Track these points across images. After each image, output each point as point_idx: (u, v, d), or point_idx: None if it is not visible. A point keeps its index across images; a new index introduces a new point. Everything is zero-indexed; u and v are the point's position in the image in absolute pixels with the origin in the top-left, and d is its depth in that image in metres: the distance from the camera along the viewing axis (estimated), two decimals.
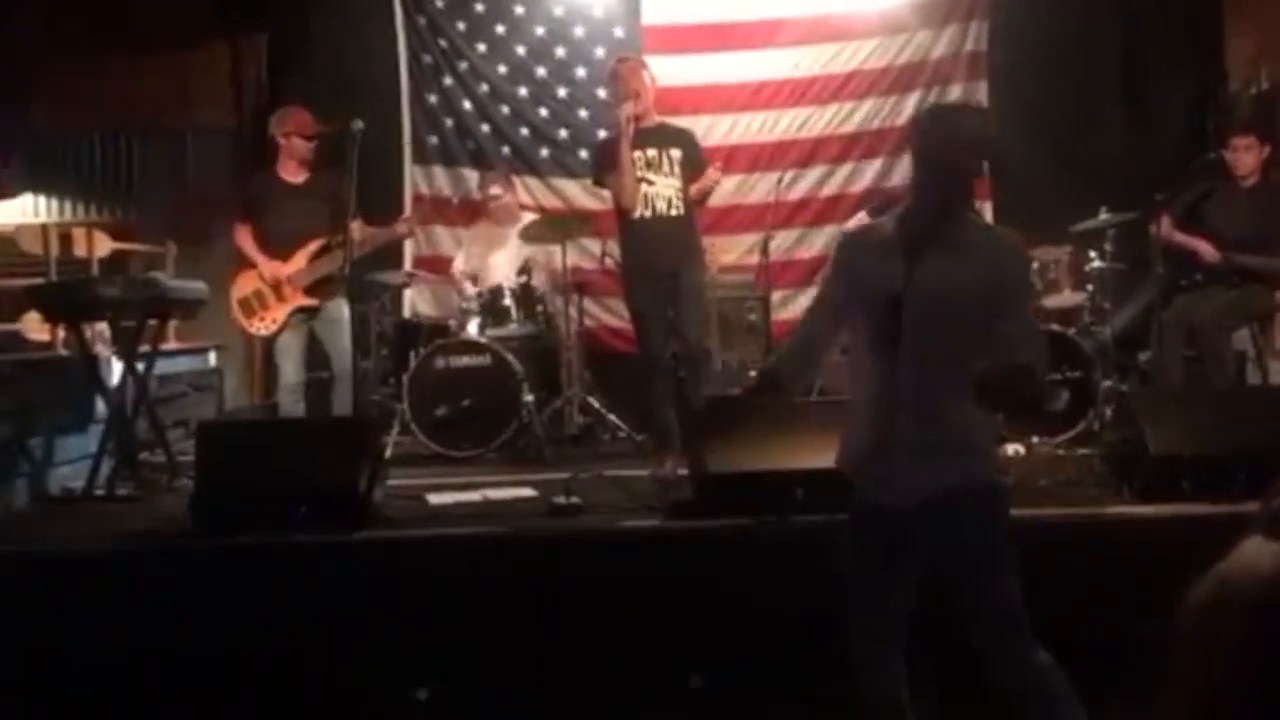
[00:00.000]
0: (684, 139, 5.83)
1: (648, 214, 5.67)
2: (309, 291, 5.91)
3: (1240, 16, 7.62)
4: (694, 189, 5.73)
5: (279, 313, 5.92)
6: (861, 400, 2.86)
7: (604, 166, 5.84)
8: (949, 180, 2.76)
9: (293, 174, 6.02)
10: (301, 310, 5.93)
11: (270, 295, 5.92)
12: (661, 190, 5.68)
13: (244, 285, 5.96)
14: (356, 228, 5.84)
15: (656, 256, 5.66)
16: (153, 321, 5.69)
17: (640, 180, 5.65)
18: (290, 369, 5.96)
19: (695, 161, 5.77)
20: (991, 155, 2.85)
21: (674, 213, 5.68)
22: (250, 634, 3.91)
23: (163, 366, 6.14)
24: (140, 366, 5.60)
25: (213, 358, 7.50)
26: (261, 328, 5.96)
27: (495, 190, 7.06)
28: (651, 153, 5.69)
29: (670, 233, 5.68)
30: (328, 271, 5.87)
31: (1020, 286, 2.88)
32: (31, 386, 5.53)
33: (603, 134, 7.95)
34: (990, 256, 2.76)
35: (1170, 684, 0.67)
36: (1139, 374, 6.62)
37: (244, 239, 6.00)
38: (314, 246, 5.91)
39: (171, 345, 6.66)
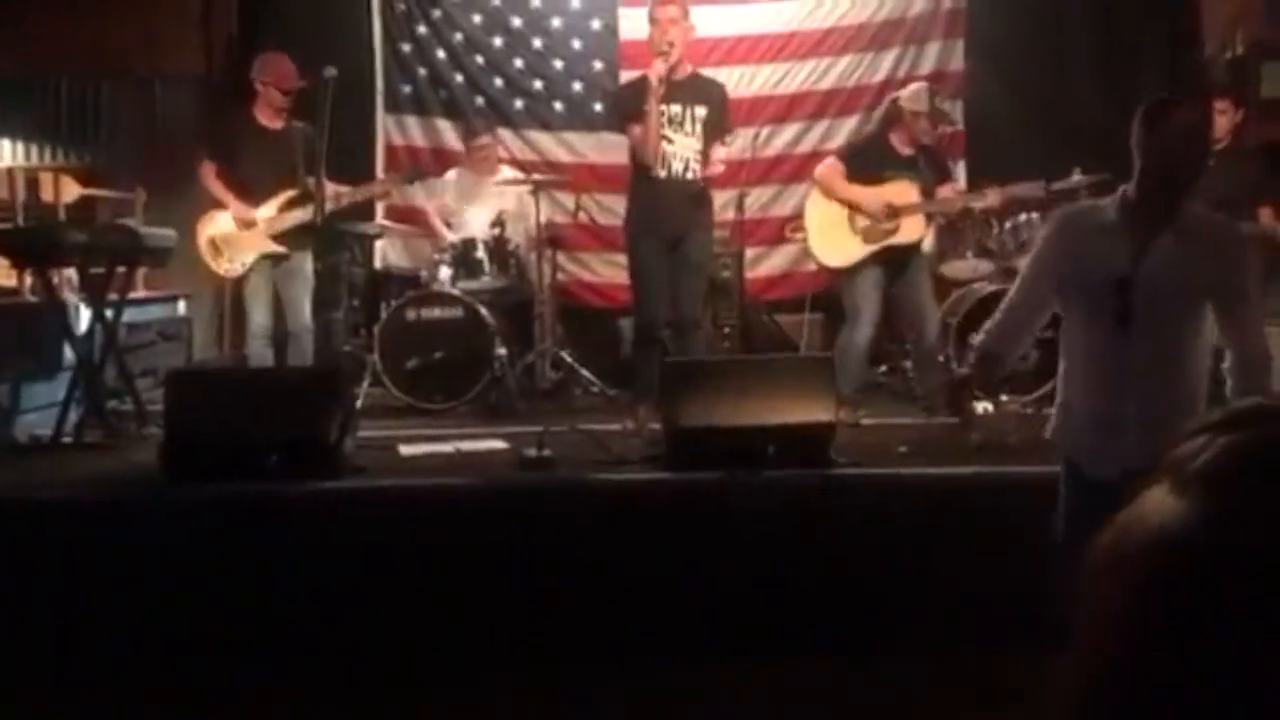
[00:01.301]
0: (713, 96, 5.60)
1: (662, 173, 5.47)
2: (278, 239, 5.85)
3: None
4: (714, 157, 5.55)
5: (247, 255, 5.86)
6: (1079, 376, 3.00)
7: (627, 116, 5.56)
8: (1173, 169, 2.88)
9: (269, 119, 5.93)
10: (269, 256, 5.87)
11: (238, 237, 5.85)
12: (680, 150, 5.48)
13: (212, 224, 5.90)
14: (329, 186, 5.82)
15: (666, 218, 5.50)
16: (121, 269, 5.64)
17: (660, 137, 5.44)
18: (260, 314, 5.93)
19: (719, 123, 5.56)
20: (1208, 148, 3.01)
21: (689, 175, 5.50)
22: (220, 583, 3.90)
23: (131, 315, 6.09)
24: (109, 314, 5.55)
25: (182, 306, 7.44)
26: (229, 269, 5.92)
27: (484, 140, 7.01)
28: (675, 108, 5.47)
29: (683, 196, 5.51)
30: (298, 221, 5.81)
31: (1243, 269, 3.00)
32: None
33: (577, 86, 7.96)
34: (1213, 240, 2.93)
35: (1069, 641, 0.66)
36: None
37: (212, 178, 5.90)
38: (286, 194, 5.85)
39: (140, 293, 6.61)
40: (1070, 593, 0.69)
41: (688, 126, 5.51)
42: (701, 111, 5.52)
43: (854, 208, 5.69)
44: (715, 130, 5.56)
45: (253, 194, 5.85)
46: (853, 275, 5.73)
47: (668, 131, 5.48)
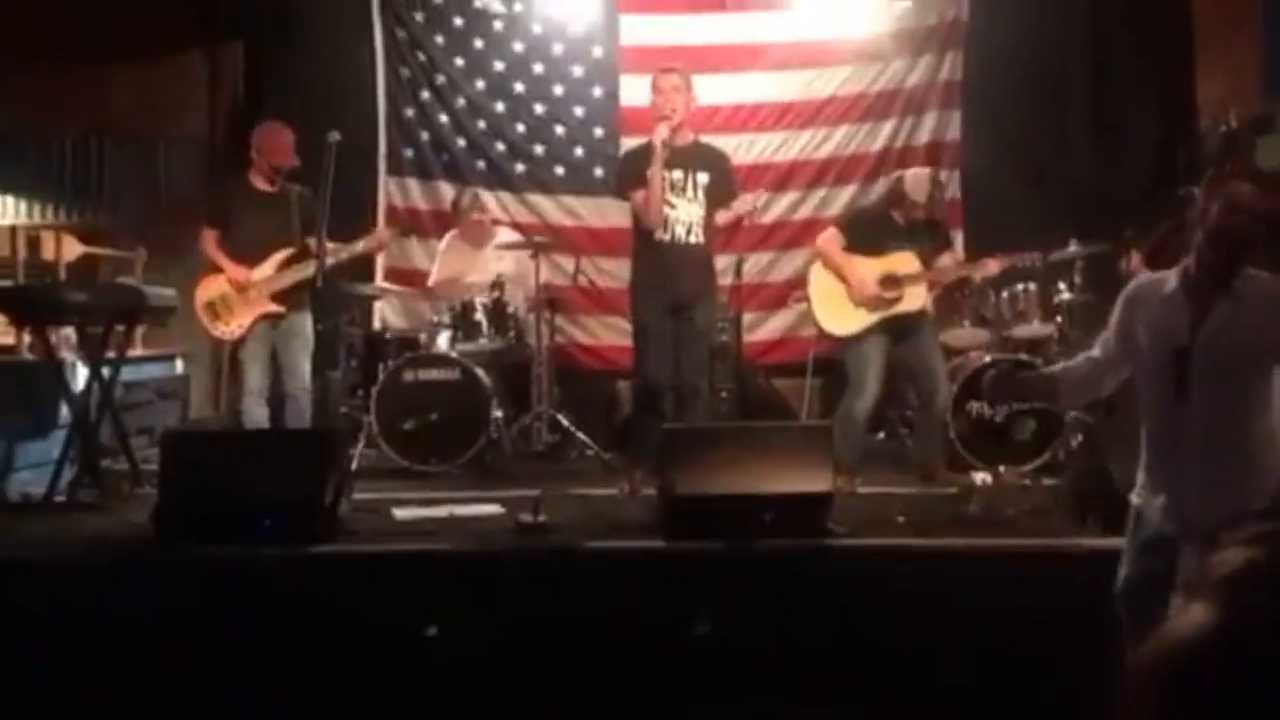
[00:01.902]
0: (715, 163, 5.67)
1: (665, 238, 5.53)
2: (275, 299, 5.87)
3: (1211, 56, 7.72)
4: (721, 216, 5.60)
5: (244, 318, 5.87)
6: (1148, 438, 3.18)
7: (630, 181, 5.63)
8: (1231, 244, 2.97)
9: (265, 183, 5.98)
10: (267, 317, 5.89)
11: (236, 300, 5.87)
12: (682, 215, 5.54)
13: (210, 289, 5.91)
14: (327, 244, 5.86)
15: (669, 282, 5.54)
16: (121, 328, 5.65)
17: (663, 202, 5.50)
18: (256, 374, 5.91)
19: (722, 188, 5.61)
20: (1272, 223, 3.04)
21: (692, 239, 5.55)
22: (211, 646, 3.86)
23: (128, 373, 6.09)
24: (106, 372, 5.55)
25: (179, 365, 7.44)
26: (226, 332, 5.93)
27: (473, 216, 7.08)
28: (677, 174, 5.53)
29: (685, 261, 5.55)
30: (295, 280, 5.84)
31: None
32: None
33: (579, 151, 8.04)
34: (1270, 304, 2.98)
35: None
36: (1105, 405, 6.67)
37: (210, 244, 5.95)
38: (282, 255, 5.88)
39: (138, 352, 6.61)
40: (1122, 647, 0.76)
41: (690, 192, 5.55)
42: (704, 177, 5.56)
43: (854, 281, 5.70)
44: (719, 196, 5.60)
45: (250, 257, 5.88)
46: (857, 344, 5.73)
47: (670, 197, 5.52)
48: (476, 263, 6.97)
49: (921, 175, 6.00)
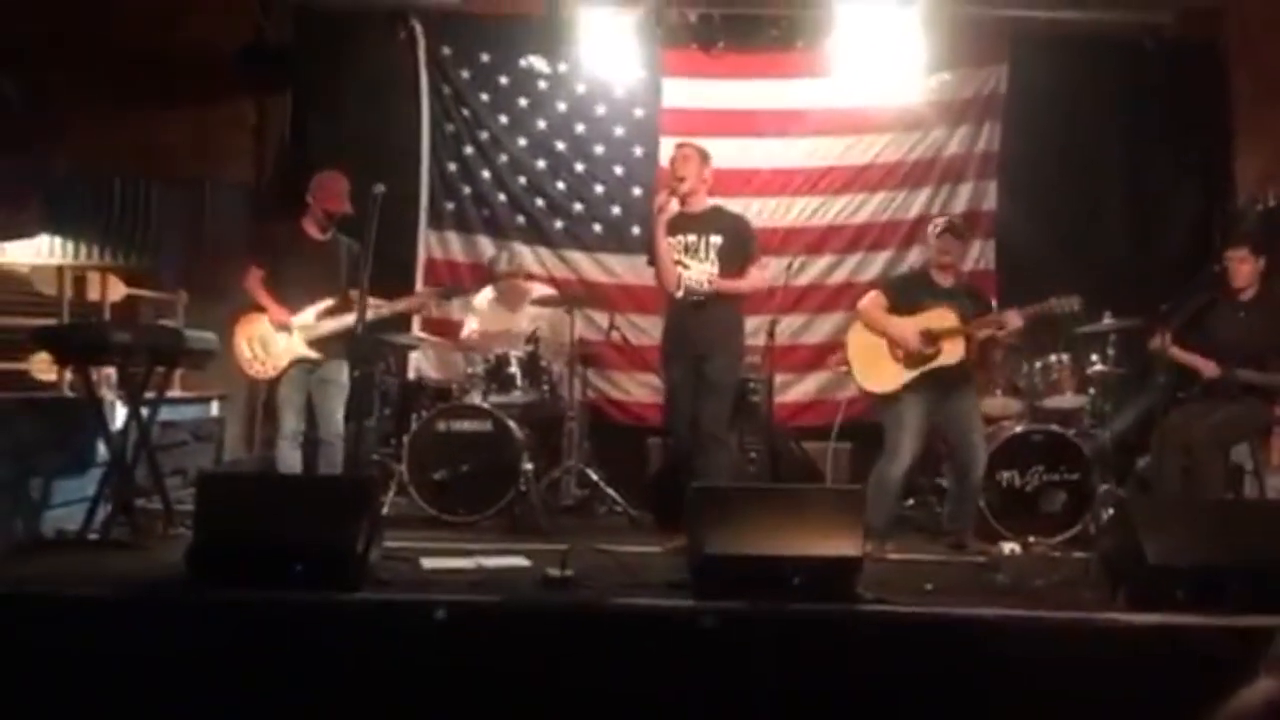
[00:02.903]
0: (730, 226, 5.85)
1: (679, 294, 5.78)
2: (312, 345, 5.95)
3: (1250, 134, 7.76)
4: (719, 283, 5.73)
5: (280, 360, 5.97)
6: None
7: (649, 246, 5.94)
8: None
9: (317, 231, 6.09)
10: (302, 361, 5.97)
11: (274, 341, 5.97)
12: (695, 275, 5.75)
13: (249, 327, 6.02)
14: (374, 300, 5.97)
15: (686, 338, 5.78)
16: (160, 369, 5.73)
17: (677, 263, 5.76)
18: (291, 418, 5.98)
19: (737, 249, 5.78)
20: None
21: (703, 296, 5.74)
22: (239, 689, 3.88)
23: (165, 414, 6.15)
24: (144, 412, 5.62)
25: (215, 407, 7.52)
26: (260, 371, 6.02)
27: (511, 280, 7.19)
28: (691, 238, 5.77)
29: (699, 317, 5.74)
30: (334, 330, 5.93)
31: None
32: (32, 427, 5.53)
33: (616, 210, 8.15)
34: None
35: None
36: (1136, 479, 6.65)
37: (255, 283, 6.06)
38: (325, 304, 5.99)
39: (176, 393, 6.69)
40: None
41: (703, 253, 5.76)
42: (717, 240, 5.76)
43: (892, 340, 5.78)
44: (735, 257, 5.76)
45: (293, 301, 5.99)
46: (895, 405, 5.78)
47: (684, 258, 5.77)
48: (511, 323, 7.06)
49: (938, 223, 6.11)
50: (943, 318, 5.79)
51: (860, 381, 5.95)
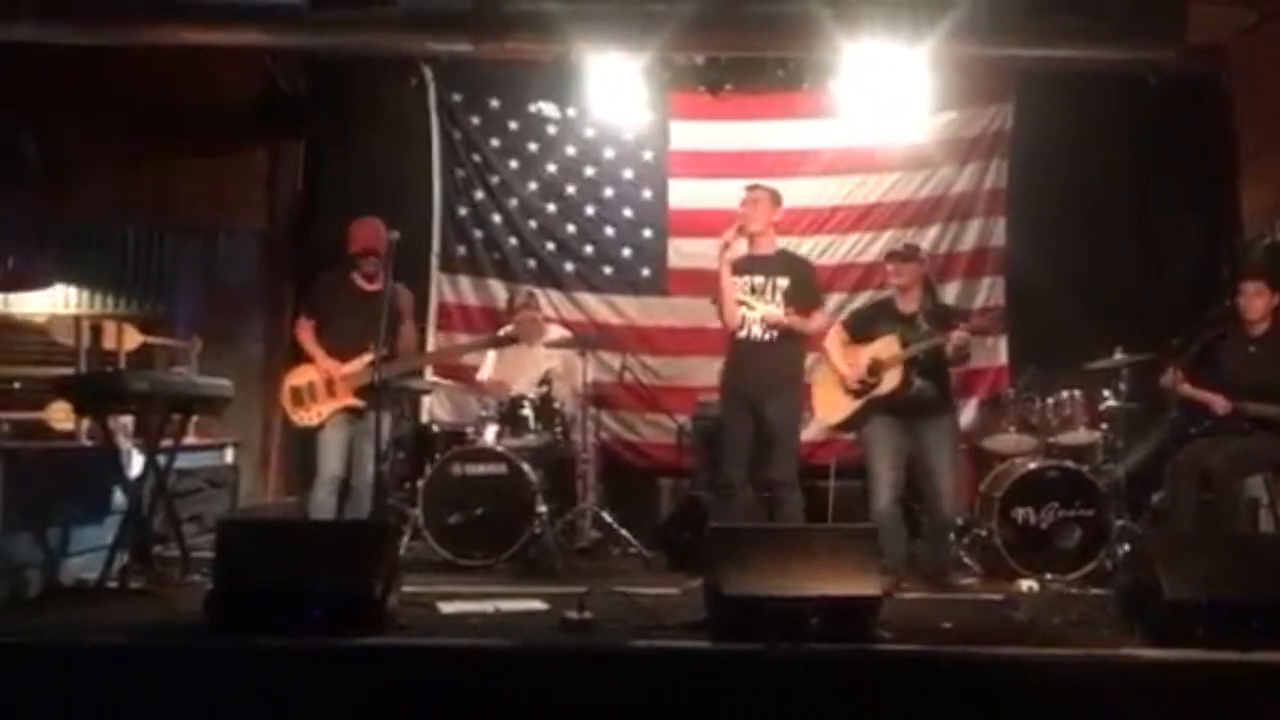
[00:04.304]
0: (797, 270, 5.90)
1: (744, 336, 5.82)
2: (358, 394, 5.96)
3: (1256, 168, 7.80)
4: (792, 317, 5.76)
5: (326, 407, 6.01)
6: None
7: (716, 286, 5.96)
8: None
9: (366, 281, 6.11)
10: (347, 410, 6.00)
11: (322, 390, 6.03)
12: (760, 316, 5.78)
13: (300, 376, 6.09)
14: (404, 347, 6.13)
15: (748, 378, 5.81)
16: (176, 416, 5.76)
17: (741, 303, 5.79)
18: (333, 463, 5.96)
19: (803, 293, 5.81)
20: None
21: (768, 338, 5.77)
22: None
23: (181, 461, 6.17)
24: (161, 460, 5.65)
25: (230, 454, 7.54)
26: (307, 418, 6.05)
27: (527, 314, 7.24)
28: (759, 279, 5.81)
29: (762, 358, 5.77)
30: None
31: None
32: (50, 476, 5.56)
33: (627, 252, 8.21)
34: None
35: None
36: (1151, 514, 6.64)
37: (305, 334, 6.15)
38: (372, 354, 5.84)
39: (191, 440, 6.71)
40: None
41: (769, 295, 5.79)
42: (784, 283, 5.80)
43: (839, 371, 5.98)
44: (801, 300, 5.80)
45: (342, 351, 6.01)
46: (864, 438, 5.95)
47: (749, 299, 5.80)
48: (527, 359, 7.09)
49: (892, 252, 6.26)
50: (888, 346, 5.91)
51: (820, 417, 6.18)
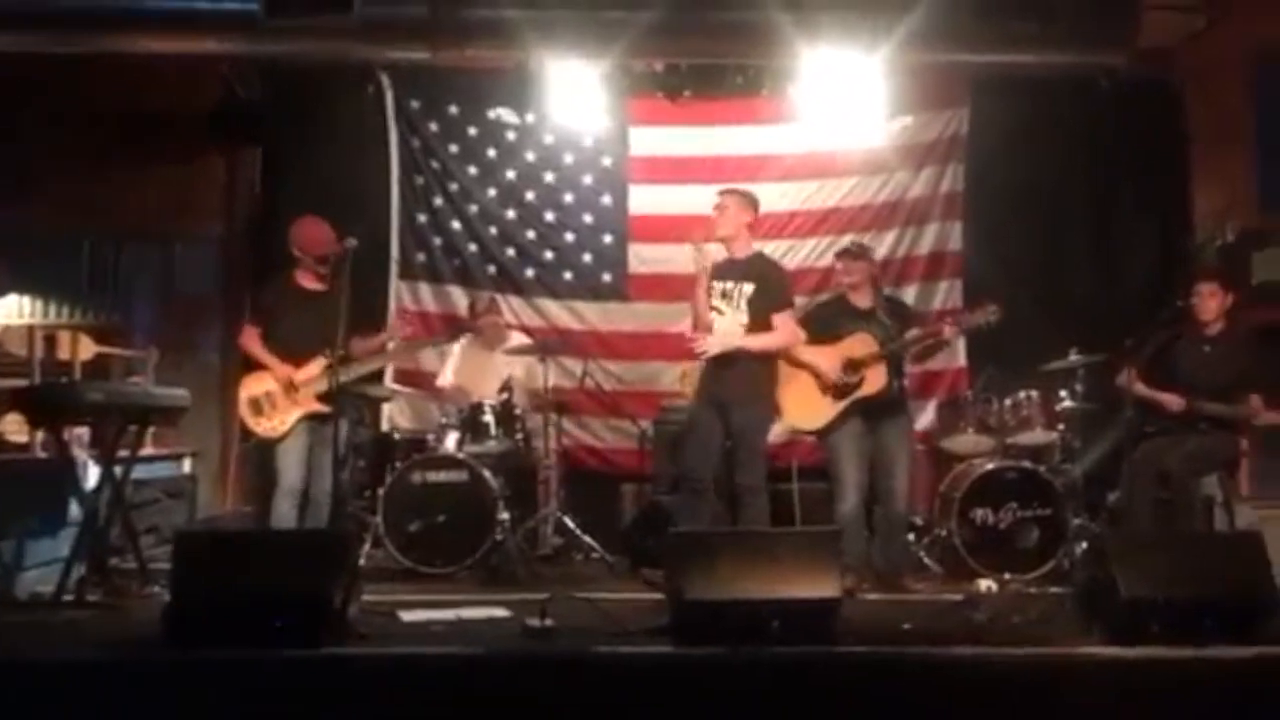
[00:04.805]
0: (763, 276, 5.81)
1: (703, 349, 5.76)
2: (321, 399, 5.84)
3: (1207, 172, 7.92)
4: (740, 341, 5.69)
5: (289, 415, 5.84)
6: None
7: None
8: None
9: (312, 282, 6.01)
10: (312, 417, 5.86)
11: (282, 397, 5.86)
12: (726, 323, 5.75)
13: (256, 385, 5.91)
14: (359, 342, 6.00)
15: (711, 384, 5.79)
16: (132, 427, 5.70)
17: (714, 309, 5.77)
18: (293, 474, 5.82)
19: (765, 299, 5.73)
20: None
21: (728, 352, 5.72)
22: None
23: (137, 472, 6.10)
24: (118, 471, 5.59)
25: (187, 464, 7.48)
26: (270, 428, 5.86)
27: (490, 318, 7.22)
28: (729, 284, 5.78)
29: (725, 365, 5.73)
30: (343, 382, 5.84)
31: None
32: (4, 488, 5.50)
33: (587, 257, 8.21)
34: None
35: None
36: (1108, 513, 6.71)
37: (252, 341, 5.99)
38: (329, 356, 5.80)
39: (148, 451, 6.65)
40: None
41: (735, 300, 5.75)
42: (749, 288, 5.75)
43: (815, 371, 5.87)
44: (762, 306, 5.73)
45: (293, 356, 5.88)
46: (830, 441, 5.91)
47: (720, 304, 5.77)
48: (489, 364, 7.07)
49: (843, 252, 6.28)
50: (864, 344, 5.90)
51: (791, 422, 6.04)
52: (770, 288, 5.79)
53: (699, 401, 5.92)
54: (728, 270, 5.83)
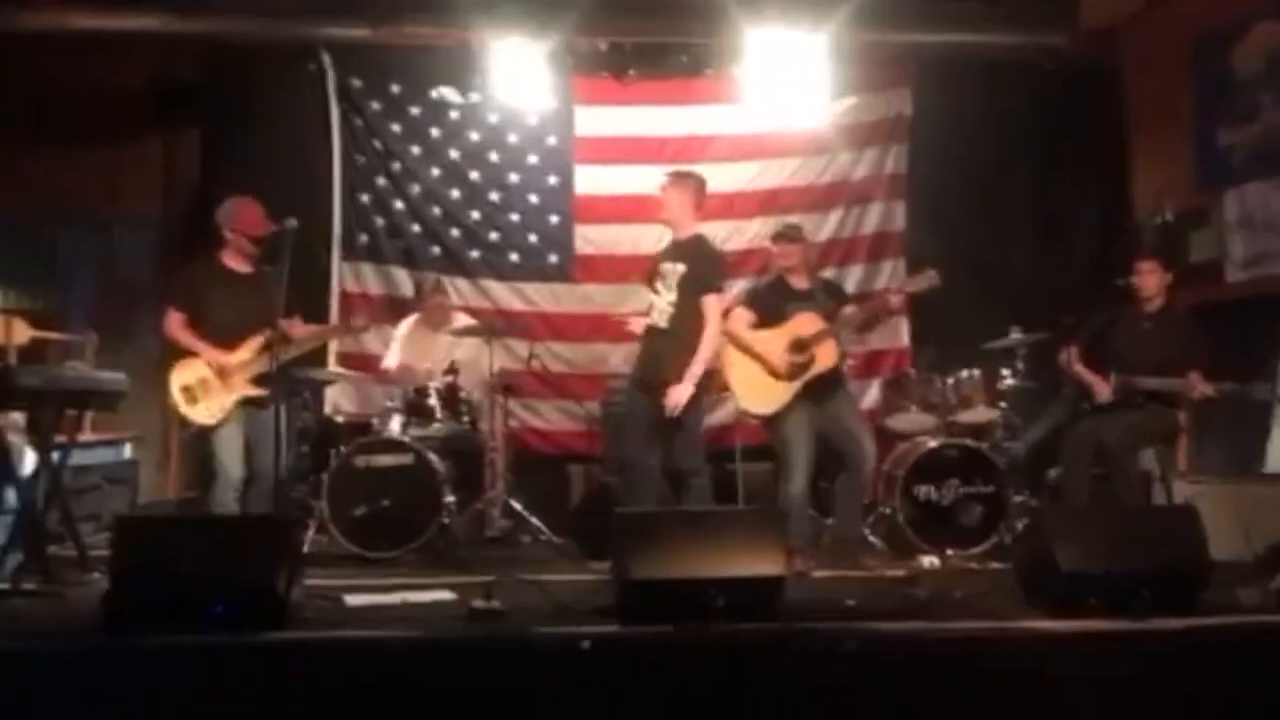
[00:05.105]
0: (695, 256, 5.79)
1: (650, 322, 5.81)
2: (256, 383, 5.70)
3: (1146, 153, 8.03)
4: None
5: (225, 400, 5.68)
6: None
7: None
8: None
9: (240, 263, 5.85)
10: (249, 401, 5.71)
11: (216, 383, 5.70)
12: (659, 303, 5.76)
13: (187, 372, 5.72)
14: (299, 326, 5.86)
15: (643, 366, 5.82)
16: (70, 411, 5.60)
17: (655, 290, 5.80)
18: (234, 465, 5.67)
19: (692, 279, 5.70)
20: None
21: (662, 326, 5.73)
22: None
23: (77, 458, 6.00)
24: (55, 457, 5.49)
25: (128, 450, 7.37)
26: (206, 416, 5.70)
27: (436, 299, 7.18)
28: (666, 265, 5.79)
29: (656, 346, 5.75)
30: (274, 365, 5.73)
31: None
32: None
33: (533, 238, 8.18)
34: None
35: None
36: (1049, 490, 6.81)
37: (177, 326, 5.78)
38: (260, 339, 5.70)
39: (87, 436, 6.54)
40: None
41: (670, 280, 5.74)
42: (681, 268, 5.74)
43: (763, 359, 5.88)
44: (690, 287, 5.70)
45: (225, 339, 5.73)
46: (781, 422, 5.88)
47: (658, 284, 5.79)
48: (434, 346, 7.02)
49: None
50: (810, 322, 5.91)
51: (745, 406, 6.01)
52: (701, 269, 5.76)
53: (631, 386, 5.94)
54: (669, 252, 5.86)
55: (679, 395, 5.55)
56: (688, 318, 5.69)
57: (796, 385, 5.86)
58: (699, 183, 5.95)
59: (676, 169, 6.14)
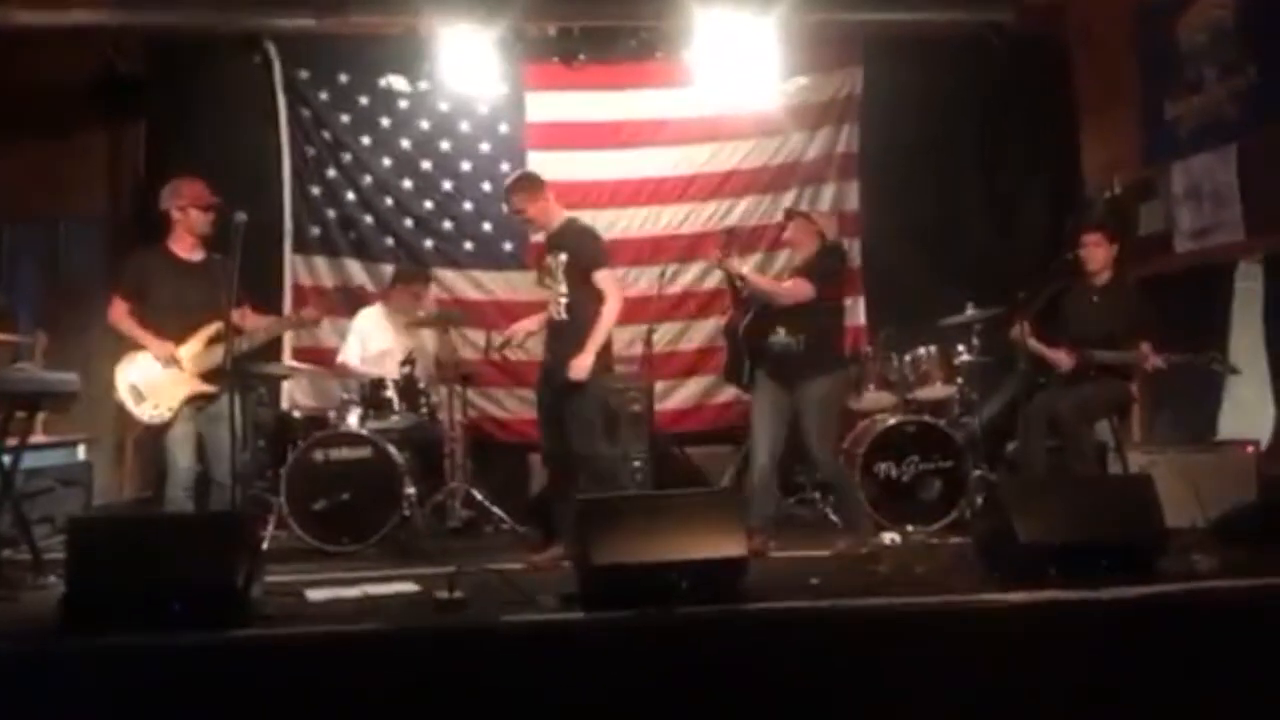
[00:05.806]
0: (572, 242, 5.77)
1: (549, 315, 5.79)
2: (205, 378, 5.56)
3: (1095, 127, 8.10)
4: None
5: (174, 399, 5.54)
6: None
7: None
8: None
9: (188, 251, 5.70)
10: (199, 397, 5.57)
11: (164, 379, 5.55)
12: (554, 295, 5.74)
13: (132, 368, 5.58)
14: (250, 317, 5.75)
15: (548, 358, 5.80)
16: (21, 414, 5.51)
17: (548, 286, 5.77)
18: (186, 463, 5.55)
19: (576, 263, 5.68)
20: None
21: (558, 317, 5.73)
22: None
23: (29, 460, 5.89)
24: (6, 460, 5.40)
25: (81, 451, 7.26)
26: (155, 415, 5.55)
27: (416, 288, 7.16)
28: (549, 260, 5.77)
29: (555, 337, 5.75)
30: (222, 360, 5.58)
31: None
32: None
33: (487, 226, 8.13)
34: None
35: None
36: (1006, 464, 6.87)
37: (125, 318, 5.62)
38: (211, 330, 5.54)
39: (39, 438, 6.44)
40: None
41: (557, 273, 5.72)
42: (563, 258, 5.72)
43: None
44: (576, 271, 5.69)
45: (175, 331, 5.57)
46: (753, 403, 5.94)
47: (546, 279, 5.77)
48: (392, 338, 6.95)
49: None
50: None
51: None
52: (580, 253, 5.73)
53: (540, 383, 5.92)
54: (549, 246, 5.85)
55: (582, 362, 5.55)
56: (583, 305, 5.66)
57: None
58: (539, 180, 5.93)
59: (515, 181, 5.99)
